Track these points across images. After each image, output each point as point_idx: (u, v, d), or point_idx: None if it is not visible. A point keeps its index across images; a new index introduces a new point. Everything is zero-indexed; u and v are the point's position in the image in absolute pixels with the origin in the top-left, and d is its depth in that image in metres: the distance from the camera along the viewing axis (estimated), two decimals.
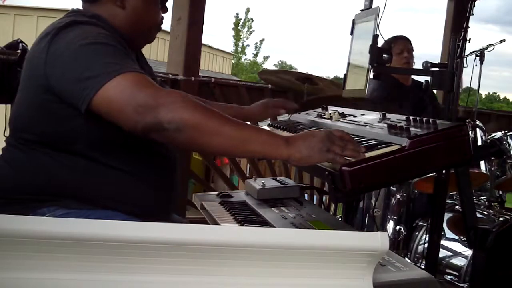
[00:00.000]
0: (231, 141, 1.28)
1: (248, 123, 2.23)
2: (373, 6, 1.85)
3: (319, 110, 2.07)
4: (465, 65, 1.95)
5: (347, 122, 1.76)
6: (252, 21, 26.22)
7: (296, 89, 3.65)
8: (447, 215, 2.52)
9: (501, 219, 2.39)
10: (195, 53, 3.54)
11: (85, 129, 1.37)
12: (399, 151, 1.31)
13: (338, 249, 0.94)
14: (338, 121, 1.82)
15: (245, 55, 27.75)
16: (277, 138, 1.32)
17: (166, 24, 1.67)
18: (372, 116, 1.75)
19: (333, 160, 1.28)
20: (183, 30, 3.43)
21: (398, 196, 2.70)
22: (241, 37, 26.61)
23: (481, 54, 2.93)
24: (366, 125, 1.62)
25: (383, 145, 1.38)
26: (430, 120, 1.47)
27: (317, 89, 3.55)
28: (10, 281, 0.83)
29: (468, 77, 2.78)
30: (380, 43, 1.77)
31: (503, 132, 2.49)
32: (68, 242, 0.83)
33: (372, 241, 0.94)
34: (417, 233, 2.62)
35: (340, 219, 2.35)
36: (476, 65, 2.92)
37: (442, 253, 2.30)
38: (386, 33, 1.86)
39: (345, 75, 2.01)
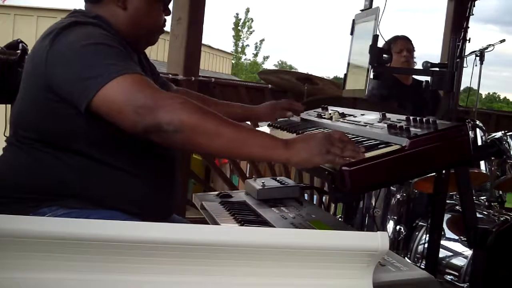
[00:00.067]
0: (230, 143, 1.29)
1: (248, 123, 2.24)
2: (373, 6, 1.85)
3: (319, 110, 2.07)
4: (465, 65, 1.95)
5: (347, 122, 1.76)
6: (252, 21, 26.27)
7: (296, 89, 3.65)
8: (447, 215, 2.52)
9: (501, 219, 2.39)
10: (195, 53, 3.54)
11: (85, 128, 1.37)
12: (399, 151, 1.31)
13: (338, 249, 0.94)
14: (338, 121, 1.82)
15: (245, 55, 27.79)
16: (276, 140, 1.32)
17: (166, 24, 1.66)
18: (372, 116, 1.75)
19: (332, 161, 1.29)
20: (183, 30, 3.43)
21: (398, 196, 2.70)
22: (241, 37, 26.63)
23: (481, 54, 2.93)
24: (366, 125, 1.62)
25: (383, 145, 1.38)
26: (430, 120, 1.47)
27: (317, 89, 3.55)
28: (10, 281, 0.83)
29: (468, 77, 2.77)
30: (380, 43, 1.77)
31: (503, 132, 2.49)
32: (68, 242, 0.83)
33: (372, 241, 0.94)
34: (417, 233, 2.62)
35: (340, 219, 2.35)
36: (476, 65, 2.91)
37: (442, 253, 2.30)
38: (386, 33, 1.87)
39: (345, 75, 2.01)
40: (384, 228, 2.69)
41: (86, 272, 0.86)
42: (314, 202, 3.50)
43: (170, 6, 1.64)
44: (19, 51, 2.57)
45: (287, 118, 2.04)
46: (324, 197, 3.09)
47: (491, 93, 43.09)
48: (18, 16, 13.44)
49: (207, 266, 0.91)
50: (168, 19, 1.65)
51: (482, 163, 2.54)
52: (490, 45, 2.92)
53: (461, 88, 2.27)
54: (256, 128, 2.09)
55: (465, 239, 2.21)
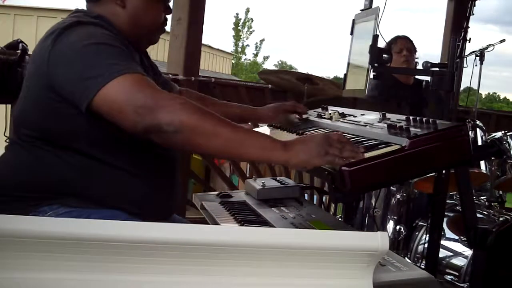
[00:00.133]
0: (229, 144, 1.29)
1: (250, 124, 2.23)
2: (373, 6, 1.85)
3: (319, 110, 2.07)
4: (465, 65, 1.95)
5: (347, 122, 1.76)
6: (252, 21, 26.24)
7: (296, 89, 3.65)
8: (447, 215, 2.52)
9: (501, 219, 2.39)
10: (195, 53, 3.54)
11: (86, 128, 1.38)
12: (399, 151, 1.31)
13: (338, 249, 0.94)
14: (338, 121, 1.82)
15: (245, 55, 27.78)
16: (275, 142, 1.32)
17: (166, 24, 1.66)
18: (372, 116, 1.75)
19: (332, 162, 1.29)
20: (183, 30, 3.43)
21: (398, 196, 2.70)
22: (241, 37, 26.61)
23: (481, 54, 2.93)
24: (366, 125, 1.62)
25: (383, 145, 1.38)
26: (430, 120, 1.47)
27: (317, 89, 3.55)
28: (10, 281, 0.83)
29: (468, 77, 2.78)
30: (380, 43, 1.77)
31: (503, 132, 2.49)
32: (68, 242, 0.83)
33: (372, 241, 0.94)
34: (417, 233, 2.62)
35: (340, 219, 2.35)
36: (476, 65, 2.91)
37: (442, 253, 2.30)
38: (386, 33, 1.87)
39: (345, 75, 2.01)
40: (384, 228, 2.69)
41: (86, 272, 0.86)
42: (314, 202, 3.50)
43: (170, 5, 1.64)
44: (19, 51, 2.57)
45: (289, 120, 2.04)
46: (324, 197, 3.10)
47: (491, 93, 43.09)
48: (18, 16, 13.46)
49: (207, 266, 0.91)
50: (168, 19, 1.65)
51: (482, 163, 2.54)
52: (490, 45, 2.92)
53: (461, 88, 2.27)
54: (256, 129, 2.09)
55: (465, 239, 2.21)
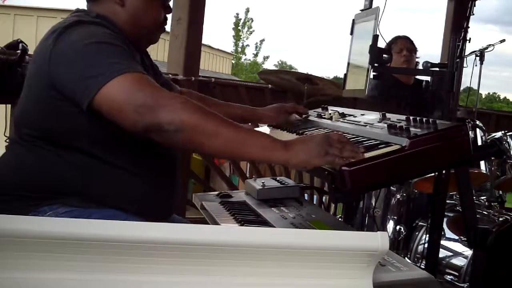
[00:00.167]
0: (230, 144, 1.29)
1: (250, 124, 2.23)
2: (373, 6, 1.85)
3: (319, 110, 2.07)
4: (465, 65, 1.95)
5: (347, 122, 1.76)
6: (252, 21, 26.25)
7: (296, 89, 3.65)
8: (447, 215, 2.52)
9: (501, 219, 2.39)
10: (195, 53, 3.54)
11: (87, 126, 1.38)
12: (399, 151, 1.31)
13: (338, 249, 0.94)
14: (338, 121, 1.82)
15: (245, 55, 27.78)
16: (276, 142, 1.32)
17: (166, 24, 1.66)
18: (372, 116, 1.75)
19: (332, 162, 1.29)
20: (183, 30, 3.43)
21: (398, 196, 2.70)
22: (241, 37, 26.61)
23: (481, 54, 2.93)
24: (366, 125, 1.62)
25: (383, 145, 1.38)
26: (430, 120, 1.47)
27: (317, 89, 3.55)
28: (10, 281, 0.83)
29: (468, 77, 2.78)
30: (380, 43, 1.77)
31: (503, 132, 2.49)
32: (68, 242, 0.83)
33: (372, 241, 0.94)
34: (417, 233, 2.62)
35: (340, 219, 2.35)
36: (476, 65, 2.92)
37: (442, 253, 2.30)
38: (386, 33, 1.87)
39: (345, 75, 2.01)
40: (384, 228, 2.69)
41: (86, 272, 0.86)
42: (314, 202, 3.50)
43: (170, 5, 1.64)
44: (19, 51, 2.57)
45: (290, 121, 2.04)
46: (324, 197, 3.10)
47: (491, 93, 43.09)
48: (18, 16, 13.46)
49: (207, 266, 0.91)
50: (168, 18, 1.65)
51: (482, 163, 2.54)
52: (490, 45, 2.92)
53: (461, 88, 2.27)
54: (257, 128, 2.09)
55: (465, 239, 2.21)
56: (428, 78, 1.98)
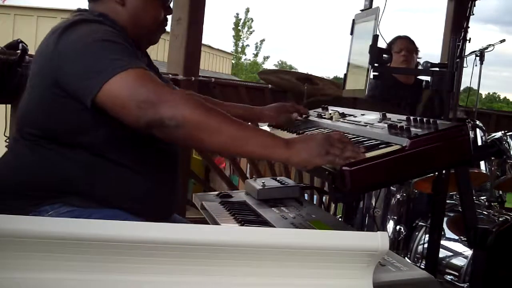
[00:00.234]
0: (231, 140, 1.29)
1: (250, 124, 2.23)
2: (373, 6, 1.85)
3: (319, 110, 2.07)
4: (465, 65, 1.95)
5: (347, 122, 1.76)
6: (252, 21, 26.24)
7: (296, 89, 3.65)
8: (447, 215, 2.52)
9: (501, 219, 2.39)
10: (195, 53, 3.54)
11: (92, 124, 1.39)
12: (399, 151, 1.31)
13: (338, 249, 0.94)
14: (338, 121, 1.82)
15: (245, 55, 27.77)
16: (277, 140, 1.32)
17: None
18: (372, 116, 1.75)
19: (332, 162, 1.29)
20: (183, 30, 3.43)
21: (398, 196, 2.70)
22: (241, 37, 26.61)
23: (481, 54, 2.93)
24: (366, 125, 1.62)
25: (384, 145, 1.38)
26: (431, 120, 1.47)
27: (317, 89, 3.55)
28: (10, 281, 0.83)
29: (468, 77, 2.78)
30: (380, 43, 1.77)
31: (503, 132, 2.49)
32: (68, 242, 0.83)
33: (372, 241, 0.94)
34: (417, 233, 2.62)
35: (340, 219, 2.35)
36: (476, 65, 2.92)
37: (442, 253, 2.30)
38: (386, 33, 1.87)
39: (345, 75, 2.01)
40: (384, 228, 2.69)
41: (86, 272, 0.86)
42: (314, 202, 3.50)
43: (171, 6, 1.64)
44: (19, 51, 2.57)
45: (290, 121, 2.03)
46: (324, 197, 3.09)
47: (491, 93, 43.08)
48: (18, 16, 13.46)
49: (207, 266, 0.91)
50: (168, 19, 1.65)
51: (482, 163, 2.54)
52: (490, 45, 2.93)
53: (461, 88, 2.27)
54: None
55: (465, 239, 2.21)
56: (428, 78, 1.98)
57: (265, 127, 2.06)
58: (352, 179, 1.24)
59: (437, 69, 1.93)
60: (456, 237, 2.49)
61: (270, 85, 3.93)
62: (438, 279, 2.27)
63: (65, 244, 0.83)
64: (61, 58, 1.36)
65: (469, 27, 1.92)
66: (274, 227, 1.54)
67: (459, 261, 2.40)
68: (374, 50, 1.74)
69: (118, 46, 1.36)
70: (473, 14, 1.96)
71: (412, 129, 1.43)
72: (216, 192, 2.04)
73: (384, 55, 1.78)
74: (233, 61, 25.36)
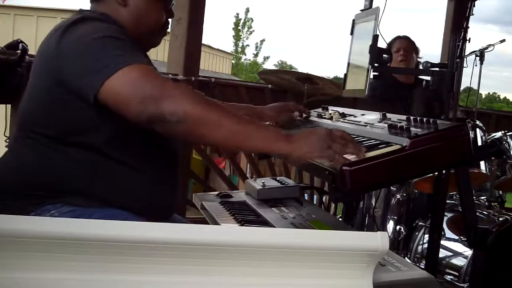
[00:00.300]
0: (232, 135, 1.29)
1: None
2: (373, 6, 1.85)
3: (319, 110, 2.07)
4: (465, 65, 1.95)
5: (348, 122, 1.76)
6: (252, 21, 26.23)
7: (296, 89, 3.65)
8: (447, 215, 2.52)
9: (501, 219, 2.39)
10: (195, 53, 3.54)
11: (96, 121, 1.39)
12: (399, 151, 1.31)
13: (338, 249, 0.94)
14: (338, 121, 1.82)
15: (245, 55, 27.76)
16: (279, 134, 1.33)
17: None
18: (372, 116, 1.75)
19: (333, 158, 1.28)
20: (183, 30, 3.43)
21: (398, 196, 2.70)
22: (241, 37, 26.60)
23: (481, 54, 2.93)
24: (366, 125, 1.62)
25: (384, 145, 1.38)
26: (431, 120, 1.47)
27: (317, 89, 3.56)
28: (10, 281, 0.83)
29: (468, 77, 2.78)
30: (380, 43, 1.77)
31: (503, 132, 2.49)
32: (68, 242, 0.83)
33: (372, 241, 0.94)
34: (417, 233, 2.62)
35: (340, 219, 2.35)
36: (476, 65, 2.92)
37: (442, 253, 2.30)
38: (386, 33, 1.87)
39: (345, 75, 2.01)
40: (384, 228, 2.69)
41: (86, 272, 0.86)
42: (314, 202, 3.50)
43: (172, 10, 1.65)
44: (19, 51, 2.57)
45: (291, 120, 2.03)
46: (324, 197, 3.09)
47: (491, 93, 43.07)
48: (18, 16, 13.45)
49: (207, 266, 0.91)
50: (170, 22, 1.66)
51: (482, 163, 2.54)
52: (490, 45, 2.92)
53: (461, 88, 2.27)
54: None
55: (465, 239, 2.21)
56: (428, 78, 1.98)
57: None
58: (352, 179, 1.24)
59: (437, 69, 1.93)
60: (456, 237, 2.49)
61: (270, 85, 3.93)
62: (438, 279, 2.27)
63: (65, 244, 0.83)
64: (65, 56, 1.36)
65: (469, 27, 1.92)
66: (274, 227, 1.54)
67: (459, 261, 2.40)
68: (374, 50, 1.74)
69: (120, 42, 1.36)
70: (473, 14, 1.97)
71: (412, 129, 1.43)
72: (216, 192, 2.04)
73: (384, 55, 1.78)
74: (233, 61, 25.35)
